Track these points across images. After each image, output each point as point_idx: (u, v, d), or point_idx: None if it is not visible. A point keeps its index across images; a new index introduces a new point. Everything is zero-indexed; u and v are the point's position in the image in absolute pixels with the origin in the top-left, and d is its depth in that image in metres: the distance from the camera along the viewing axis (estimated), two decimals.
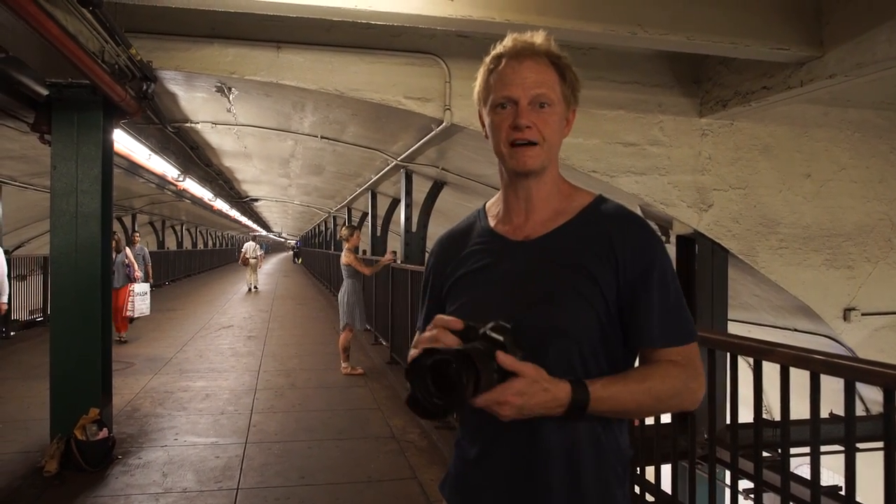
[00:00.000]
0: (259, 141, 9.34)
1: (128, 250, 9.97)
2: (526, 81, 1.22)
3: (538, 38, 1.25)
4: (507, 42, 1.25)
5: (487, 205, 1.40)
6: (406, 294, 7.06)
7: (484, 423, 1.26)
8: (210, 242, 42.35)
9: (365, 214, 15.73)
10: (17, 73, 4.62)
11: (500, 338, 1.10)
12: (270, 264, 40.83)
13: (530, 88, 1.22)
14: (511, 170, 1.27)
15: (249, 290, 19.85)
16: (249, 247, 20.63)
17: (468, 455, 1.29)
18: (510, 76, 1.23)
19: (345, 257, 7.77)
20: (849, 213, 6.28)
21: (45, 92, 4.67)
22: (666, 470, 3.00)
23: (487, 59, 1.28)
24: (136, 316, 9.88)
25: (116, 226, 13.41)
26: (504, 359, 1.06)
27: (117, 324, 9.49)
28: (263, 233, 48.74)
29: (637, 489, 3.17)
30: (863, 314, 6.44)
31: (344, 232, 8.01)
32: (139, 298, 9.85)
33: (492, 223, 1.34)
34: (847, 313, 6.41)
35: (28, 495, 3.96)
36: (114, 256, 8.92)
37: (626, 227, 1.25)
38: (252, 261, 20.08)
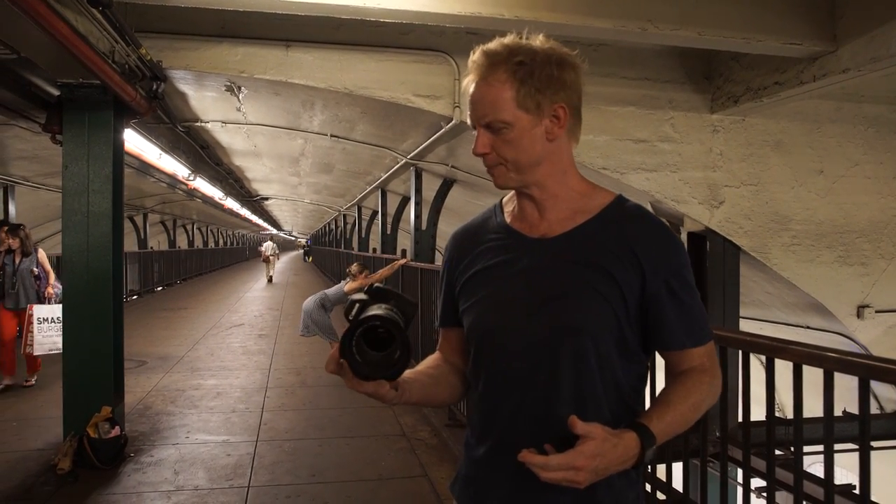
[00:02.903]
0: (269, 140, 9.36)
1: (42, 253, 6.97)
2: (476, 109, 1.21)
3: (496, 44, 1.19)
4: (472, 55, 1.22)
5: (504, 200, 1.38)
6: (416, 292, 7.05)
7: (491, 423, 1.26)
8: (221, 241, 42.56)
9: (375, 213, 15.75)
10: (29, 73, 4.65)
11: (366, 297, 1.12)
12: (281, 263, 40.97)
13: (481, 117, 1.21)
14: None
15: (269, 280, 23.35)
16: (268, 246, 25.00)
17: (476, 454, 1.28)
18: (468, 101, 1.23)
19: (349, 286, 7.66)
20: (862, 210, 6.22)
21: (56, 92, 4.70)
22: (677, 468, 2.98)
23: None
24: (37, 354, 6.15)
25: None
26: (574, 422, 1.06)
27: (6, 363, 6.55)
28: (274, 231, 48.96)
29: (648, 487, 3.15)
30: (877, 311, 6.38)
31: (354, 268, 8.01)
32: (44, 327, 6.05)
33: (508, 219, 1.33)
34: (861, 310, 6.36)
35: (42, 493, 3.99)
36: (16, 261, 6.69)
37: (650, 230, 1.23)
38: (271, 257, 24.66)
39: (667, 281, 1.20)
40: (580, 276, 1.20)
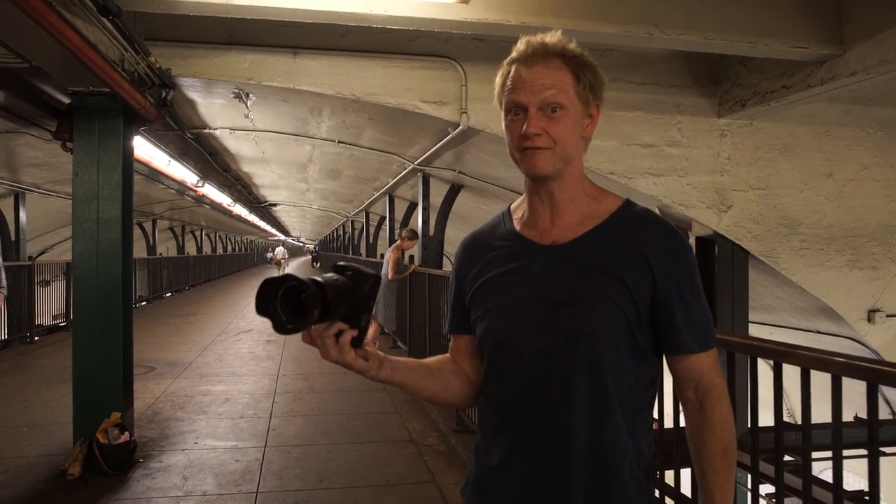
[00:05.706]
0: (277, 146, 9.40)
1: None
2: (534, 87, 1.19)
3: (551, 37, 1.22)
4: (520, 45, 1.23)
5: (512, 207, 1.38)
6: (424, 297, 7.05)
7: (504, 429, 1.25)
8: (229, 247, 42.70)
9: (383, 218, 15.77)
10: (40, 82, 4.71)
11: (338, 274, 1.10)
12: (289, 268, 41.18)
13: (538, 94, 1.19)
14: (525, 174, 1.26)
15: None
16: (279, 251, 29.05)
17: (488, 460, 1.27)
18: (519, 82, 1.21)
19: (392, 253, 8.01)
20: (872, 213, 6.18)
21: (66, 100, 4.75)
22: (686, 474, 2.97)
23: (504, 63, 1.26)
24: None
25: None
26: None
27: None
28: (283, 238, 49.20)
29: (657, 493, 3.14)
30: (887, 315, 6.32)
31: (405, 232, 8.25)
32: None
33: (517, 226, 1.32)
34: (871, 315, 6.31)
35: (52, 498, 4.01)
36: None
37: (659, 234, 1.23)
38: (282, 261, 28.47)
39: (677, 284, 1.20)
40: (591, 281, 1.20)
